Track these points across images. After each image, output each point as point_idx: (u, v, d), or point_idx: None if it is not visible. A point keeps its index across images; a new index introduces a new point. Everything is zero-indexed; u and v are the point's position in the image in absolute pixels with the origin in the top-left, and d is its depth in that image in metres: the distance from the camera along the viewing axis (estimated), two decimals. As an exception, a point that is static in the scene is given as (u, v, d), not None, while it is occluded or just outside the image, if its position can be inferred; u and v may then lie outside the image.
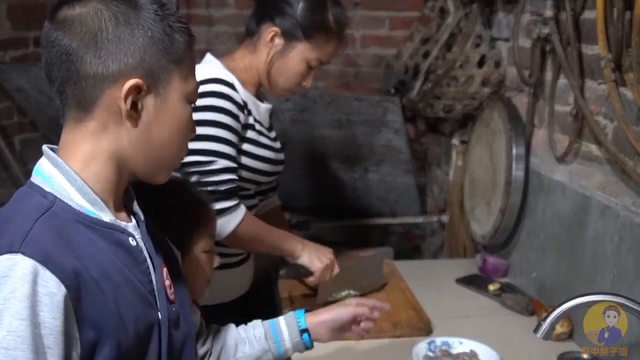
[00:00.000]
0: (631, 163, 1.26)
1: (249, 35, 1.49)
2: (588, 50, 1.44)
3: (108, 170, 0.81)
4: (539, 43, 1.60)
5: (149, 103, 0.81)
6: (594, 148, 1.46)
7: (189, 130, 0.87)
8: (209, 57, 1.50)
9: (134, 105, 0.80)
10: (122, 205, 0.87)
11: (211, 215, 1.16)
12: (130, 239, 0.83)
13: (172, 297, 0.89)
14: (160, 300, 0.85)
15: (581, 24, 1.45)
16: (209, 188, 1.35)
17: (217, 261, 1.17)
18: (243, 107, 1.42)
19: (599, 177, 1.42)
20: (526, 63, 1.70)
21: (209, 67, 1.44)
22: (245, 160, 1.44)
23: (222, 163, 1.37)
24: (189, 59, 0.84)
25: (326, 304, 1.51)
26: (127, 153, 0.82)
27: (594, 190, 1.41)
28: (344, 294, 1.60)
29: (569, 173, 1.53)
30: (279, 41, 1.43)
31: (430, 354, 1.35)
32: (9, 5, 2.35)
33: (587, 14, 1.43)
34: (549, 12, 1.52)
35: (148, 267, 0.85)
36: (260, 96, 1.53)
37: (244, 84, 1.46)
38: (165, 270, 0.89)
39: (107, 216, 0.81)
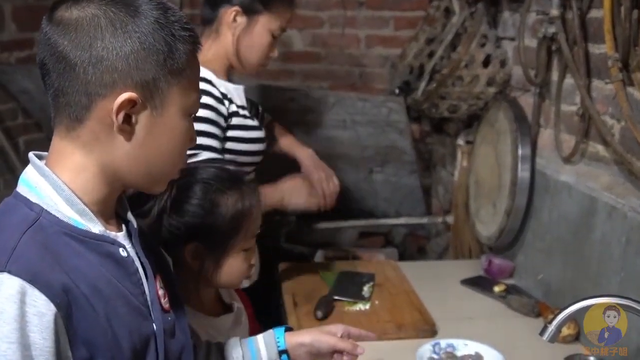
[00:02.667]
0: (638, 164, 1.25)
1: (207, 23, 1.52)
2: (595, 49, 1.42)
3: (98, 182, 0.78)
4: (545, 42, 1.59)
5: (143, 117, 0.76)
6: (600, 148, 1.44)
7: (188, 141, 0.83)
8: None
9: (128, 118, 0.75)
10: (113, 214, 0.83)
11: (256, 217, 1.16)
12: (120, 249, 0.79)
13: (166, 306, 0.86)
14: (154, 310, 0.83)
15: (588, 23, 1.44)
16: None
17: (254, 259, 1.19)
18: (222, 99, 1.45)
19: (605, 178, 1.41)
20: (532, 63, 1.68)
21: None
22: (238, 146, 1.48)
23: (205, 154, 1.39)
24: (191, 70, 0.79)
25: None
26: (119, 166, 0.78)
27: (600, 191, 1.39)
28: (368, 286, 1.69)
29: (576, 174, 1.52)
30: (241, 19, 1.48)
31: (435, 356, 1.34)
32: (14, 6, 2.35)
33: (594, 13, 1.42)
34: (555, 11, 1.51)
35: (140, 278, 0.82)
36: (232, 80, 1.57)
37: (216, 73, 1.49)
38: (158, 279, 0.86)
39: (96, 227, 0.77)
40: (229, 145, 1.47)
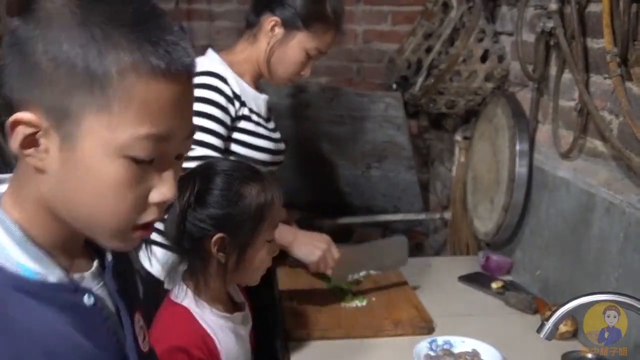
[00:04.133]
0: (637, 159, 1.23)
1: (249, 27, 1.52)
2: (593, 44, 1.41)
3: (50, 218, 0.63)
4: (543, 37, 1.57)
5: (53, 146, 0.59)
6: (599, 144, 1.43)
7: (143, 190, 0.62)
8: (209, 51, 1.52)
9: (30, 143, 0.59)
10: (80, 249, 0.68)
11: (278, 206, 1.17)
12: (85, 297, 0.65)
13: (145, 349, 0.74)
14: (132, 356, 0.70)
15: (586, 17, 1.43)
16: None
17: (277, 250, 1.20)
18: (233, 99, 1.44)
19: (604, 174, 1.40)
20: (530, 58, 1.67)
21: (203, 60, 1.46)
22: (241, 150, 1.46)
23: (201, 151, 1.37)
24: (130, 97, 0.57)
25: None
26: (54, 205, 0.62)
27: (598, 187, 1.38)
28: (362, 274, 1.61)
29: (574, 169, 1.51)
30: (279, 30, 1.47)
31: (432, 353, 1.33)
32: (9, 0, 2.33)
33: (592, 7, 1.40)
34: (553, 6, 1.50)
35: (112, 325, 0.68)
36: (259, 88, 1.56)
37: (241, 75, 1.48)
38: (138, 316, 0.73)
39: (54, 273, 0.63)
40: (233, 147, 1.46)
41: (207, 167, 1.16)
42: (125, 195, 0.61)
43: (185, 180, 1.11)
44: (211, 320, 1.13)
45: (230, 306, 1.21)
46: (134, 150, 0.59)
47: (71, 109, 0.57)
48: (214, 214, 1.10)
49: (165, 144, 0.61)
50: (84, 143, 0.58)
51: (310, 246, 1.48)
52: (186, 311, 1.11)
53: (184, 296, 1.12)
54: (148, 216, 0.63)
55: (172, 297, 1.14)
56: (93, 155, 0.59)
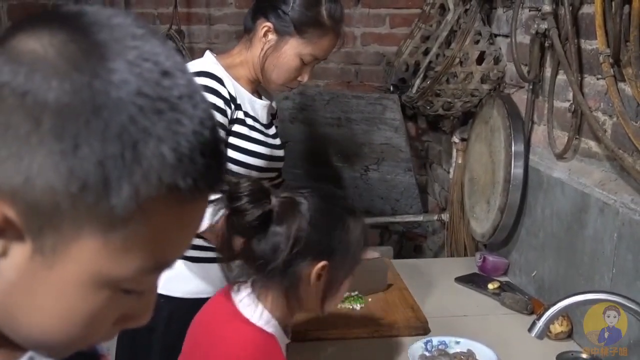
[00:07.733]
0: (630, 159, 1.24)
1: (246, 31, 1.52)
2: (587, 45, 1.42)
3: None
4: (538, 39, 1.58)
5: (17, 253, 0.43)
6: (593, 144, 1.44)
7: (109, 319, 0.47)
8: (206, 53, 1.52)
9: None
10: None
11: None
12: None
13: None
14: None
15: (580, 18, 1.44)
16: None
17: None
18: (230, 101, 1.43)
19: (598, 174, 1.40)
20: (525, 59, 1.68)
21: (199, 62, 1.46)
22: (235, 154, 1.45)
23: None
24: (149, 224, 0.43)
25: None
26: None
27: (593, 187, 1.39)
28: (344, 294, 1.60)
29: (568, 170, 1.51)
30: (272, 36, 1.45)
31: (427, 353, 1.34)
32: (10, 5, 2.35)
33: (586, 9, 1.41)
34: (547, 7, 1.51)
35: None
36: (259, 92, 1.54)
37: (238, 79, 1.47)
38: None
39: None
40: (227, 152, 1.43)
41: (313, 190, 1.09)
42: (95, 324, 0.46)
43: (293, 204, 1.04)
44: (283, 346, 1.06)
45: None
46: (133, 284, 0.46)
47: (65, 220, 0.42)
48: (326, 241, 1.04)
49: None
50: (68, 265, 0.43)
51: None
52: (275, 342, 1.02)
53: (259, 317, 1.03)
54: (106, 337, 0.49)
55: (247, 315, 1.04)
56: (74, 281, 0.44)
